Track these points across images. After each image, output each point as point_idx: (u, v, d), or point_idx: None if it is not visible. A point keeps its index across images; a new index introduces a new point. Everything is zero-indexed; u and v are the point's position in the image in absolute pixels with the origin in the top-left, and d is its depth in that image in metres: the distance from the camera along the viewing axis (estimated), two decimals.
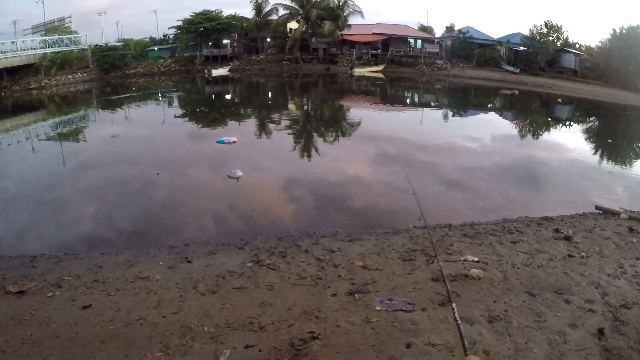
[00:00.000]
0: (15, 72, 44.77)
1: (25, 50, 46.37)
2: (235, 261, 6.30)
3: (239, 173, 11.40)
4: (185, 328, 4.46)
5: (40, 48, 48.26)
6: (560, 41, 51.64)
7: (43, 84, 44.75)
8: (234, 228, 8.50)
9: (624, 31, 44.86)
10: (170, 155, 14.40)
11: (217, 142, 15.52)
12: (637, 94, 38.44)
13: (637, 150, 19.37)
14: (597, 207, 9.25)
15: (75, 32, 56.59)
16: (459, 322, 1.65)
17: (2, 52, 43.20)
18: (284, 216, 9.20)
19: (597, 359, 3.92)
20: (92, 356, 4.02)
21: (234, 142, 15.42)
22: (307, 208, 9.79)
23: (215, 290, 5.33)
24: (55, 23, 59.00)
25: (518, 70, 50.32)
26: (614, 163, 15.78)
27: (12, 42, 45.68)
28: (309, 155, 14.72)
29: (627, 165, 15.74)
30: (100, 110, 29.83)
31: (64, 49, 50.57)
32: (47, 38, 50.61)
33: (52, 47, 49.26)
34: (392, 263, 6.16)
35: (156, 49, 59.72)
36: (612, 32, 46.56)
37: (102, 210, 9.59)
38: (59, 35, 52.60)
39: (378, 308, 4.81)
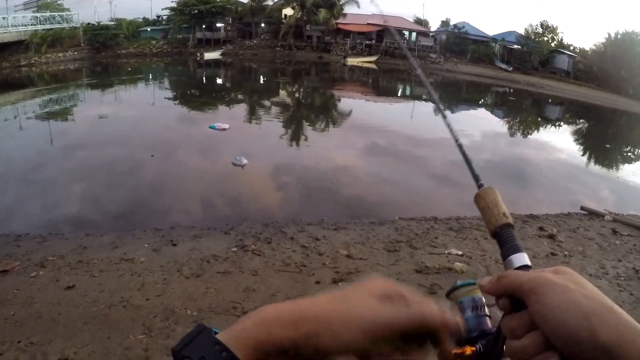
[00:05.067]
0: (5, 48, 43.94)
1: (15, 26, 45.54)
2: (221, 246, 6.30)
3: (244, 161, 11.19)
4: (169, 311, 4.47)
5: (31, 25, 47.39)
6: (555, 42, 51.93)
7: (33, 62, 44.07)
8: (221, 213, 8.51)
9: (619, 36, 45.26)
10: (160, 139, 14.29)
11: (210, 127, 15.38)
12: (628, 98, 38.81)
13: (625, 154, 19.57)
14: (582, 208, 9.34)
15: (68, 9, 55.51)
16: (460, 142, 1.45)
17: None
18: (271, 203, 9.22)
19: None
20: (74, 337, 4.02)
21: (224, 129, 15.18)
22: (295, 196, 9.81)
23: (199, 274, 5.33)
24: (48, 0, 58.15)
25: (511, 68, 50.50)
26: (601, 165, 15.96)
27: (3, 18, 44.83)
28: (299, 145, 14.73)
29: (614, 168, 15.91)
30: (89, 89, 29.53)
31: (56, 26, 49.76)
32: (38, 15, 49.71)
33: (43, 24, 48.45)
34: (376, 253, 6.20)
35: (149, 29, 59.05)
36: (607, 36, 46.97)
37: (89, 191, 9.54)
38: (50, 12, 51.74)
39: None
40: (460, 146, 1.69)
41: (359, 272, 5.51)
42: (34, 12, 52.13)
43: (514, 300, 0.63)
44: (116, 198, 9.20)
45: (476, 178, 1.66)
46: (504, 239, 0.92)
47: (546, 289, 0.58)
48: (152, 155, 11.96)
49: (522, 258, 0.76)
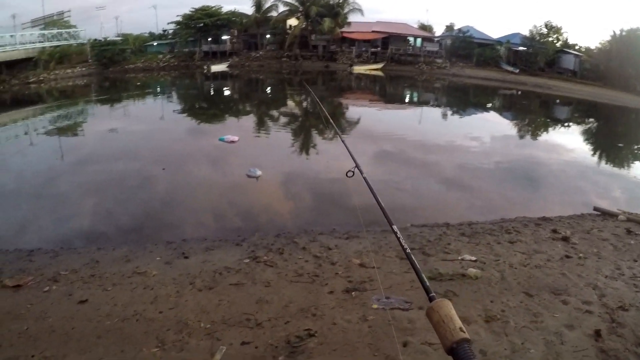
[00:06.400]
0: (14, 65, 44.48)
1: (24, 44, 46.17)
2: (233, 257, 6.29)
3: (259, 172, 11.18)
4: (182, 324, 4.45)
5: (39, 42, 48.09)
6: (560, 42, 51.68)
7: (42, 78, 44.55)
8: (232, 224, 8.49)
9: (623, 33, 44.98)
10: (171, 152, 14.34)
11: (219, 140, 15.40)
12: (636, 96, 38.48)
13: (636, 152, 19.36)
14: (595, 209, 9.24)
15: (75, 26, 56.31)
16: (408, 251, 1.38)
17: (1, 46, 42.99)
18: (282, 213, 9.19)
19: None
20: (88, 351, 4.01)
21: (233, 141, 15.12)
22: (306, 205, 9.78)
23: (212, 286, 5.31)
24: (55, 17, 58.73)
25: (517, 70, 50.32)
26: (612, 164, 15.80)
27: (11, 36, 45.49)
28: (309, 154, 14.73)
29: (625, 166, 15.76)
30: (98, 104, 29.76)
31: (63, 43, 50.40)
32: (46, 32, 50.45)
33: (51, 41, 49.13)
34: (389, 261, 6.15)
35: (155, 44, 59.62)
36: (612, 34, 46.67)
37: (101, 205, 9.56)
38: (58, 29, 52.40)
39: (375, 306, 4.80)
40: (408, 255, 1.65)
41: (372, 280, 5.47)
42: (41, 29, 52.83)
43: None
44: (128, 212, 9.22)
45: (427, 290, 1.58)
46: (463, 356, 0.88)
47: None
48: (164, 169, 11.98)
49: None
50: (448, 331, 1.27)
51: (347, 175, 3.45)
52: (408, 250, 1.45)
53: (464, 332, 1.23)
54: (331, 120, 4.89)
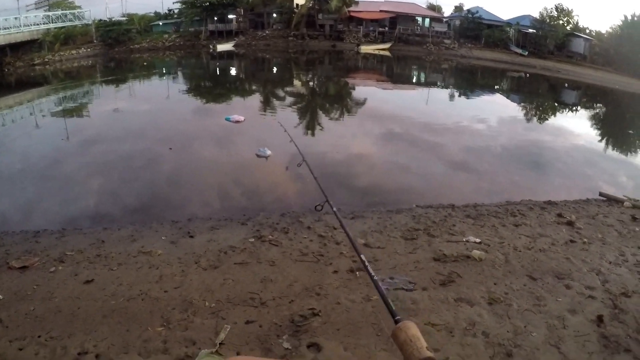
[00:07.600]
0: (19, 48, 44.41)
1: (28, 26, 45.99)
2: (238, 236, 6.31)
3: (268, 152, 11.23)
4: (187, 303, 4.47)
5: (43, 23, 47.87)
6: (570, 25, 50.79)
7: (46, 60, 44.50)
8: (238, 204, 8.52)
9: (635, 18, 44.25)
10: (177, 132, 14.34)
11: (225, 119, 15.38)
12: None
13: None
14: (600, 194, 9.18)
15: (79, 7, 56.02)
16: (375, 278, 1.44)
17: (5, 28, 42.76)
18: (287, 193, 9.20)
19: (595, 346, 3.91)
20: (94, 330, 4.04)
21: (238, 121, 15.06)
22: (310, 185, 9.74)
23: (217, 265, 5.34)
24: None
25: (526, 53, 49.66)
26: (619, 151, 15.67)
27: (15, 18, 45.25)
28: (315, 134, 14.68)
29: (633, 153, 15.62)
30: (103, 85, 29.72)
31: (68, 24, 50.15)
32: (50, 13, 50.14)
33: (55, 22, 48.87)
34: (394, 242, 6.16)
35: (161, 23, 59.17)
36: (623, 18, 45.92)
37: (106, 186, 9.60)
38: (62, 10, 52.16)
39: None
40: (375, 281, 1.68)
41: (377, 260, 5.48)
42: (45, 11, 52.56)
43: None
44: (134, 192, 9.26)
45: (393, 313, 1.62)
46: None
47: None
48: (170, 149, 12.00)
49: None
50: (415, 349, 1.33)
51: (315, 209, 3.52)
52: (375, 278, 1.48)
53: (430, 352, 1.28)
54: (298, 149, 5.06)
